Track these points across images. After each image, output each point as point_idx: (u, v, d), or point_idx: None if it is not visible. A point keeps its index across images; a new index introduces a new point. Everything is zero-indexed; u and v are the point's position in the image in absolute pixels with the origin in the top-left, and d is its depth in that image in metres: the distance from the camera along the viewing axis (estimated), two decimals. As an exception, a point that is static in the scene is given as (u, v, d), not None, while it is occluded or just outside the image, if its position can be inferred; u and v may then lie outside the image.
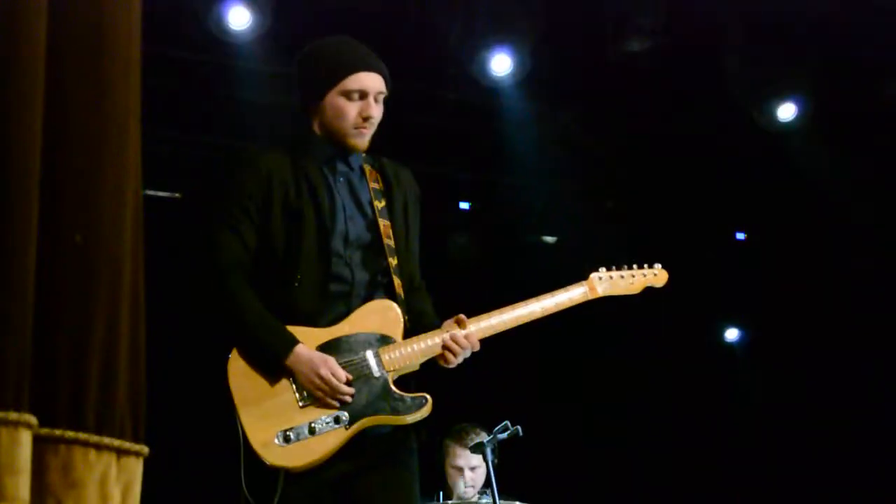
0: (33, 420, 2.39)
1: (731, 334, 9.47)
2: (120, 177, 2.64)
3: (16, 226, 2.35)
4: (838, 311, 8.66)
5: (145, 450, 2.69)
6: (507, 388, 8.00)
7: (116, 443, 2.57)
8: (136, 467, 2.63)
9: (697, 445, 8.96)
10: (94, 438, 2.52)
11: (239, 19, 6.81)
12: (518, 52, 7.25)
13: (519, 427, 5.98)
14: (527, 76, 7.34)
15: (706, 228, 7.78)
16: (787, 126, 7.83)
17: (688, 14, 7.19)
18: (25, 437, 2.34)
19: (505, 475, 6.24)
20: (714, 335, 9.45)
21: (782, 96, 7.82)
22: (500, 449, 6.34)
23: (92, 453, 2.51)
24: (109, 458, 2.54)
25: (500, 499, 6.14)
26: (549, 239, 8.23)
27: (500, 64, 7.27)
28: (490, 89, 7.43)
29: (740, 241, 8.22)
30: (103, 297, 2.56)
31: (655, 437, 8.97)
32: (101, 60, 2.65)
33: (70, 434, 2.49)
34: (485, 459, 6.26)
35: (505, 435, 6.07)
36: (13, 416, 2.32)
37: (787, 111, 7.85)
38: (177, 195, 7.90)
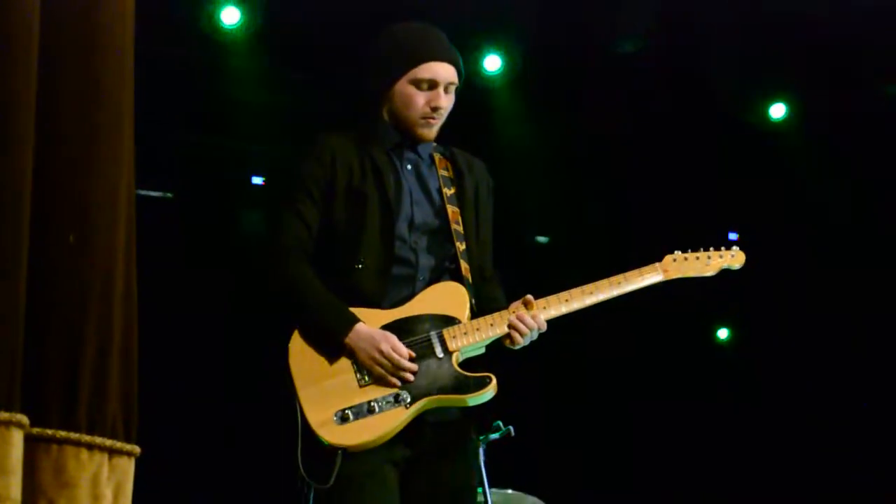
0: (25, 420, 2.39)
1: (723, 334, 9.48)
2: (113, 176, 2.64)
3: (7, 226, 2.35)
4: (826, 313, 8.67)
5: (137, 450, 2.69)
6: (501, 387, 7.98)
7: (108, 443, 2.57)
8: (127, 467, 2.63)
9: (689, 446, 8.97)
10: (86, 438, 2.52)
11: (230, 17, 6.80)
12: (509, 53, 7.26)
13: (511, 427, 5.97)
14: (517, 76, 7.33)
15: (699, 228, 7.79)
16: (778, 125, 7.87)
17: (679, 15, 7.19)
18: (17, 437, 2.34)
19: (497, 469, 6.22)
20: (707, 334, 9.45)
21: (772, 96, 7.84)
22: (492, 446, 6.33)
23: (84, 453, 2.51)
24: (101, 458, 2.54)
25: (491, 489, 6.10)
26: (542, 239, 8.23)
27: (492, 63, 7.28)
28: (482, 88, 7.43)
29: (733, 241, 8.23)
30: (96, 298, 2.56)
31: (645, 435, 8.98)
32: (93, 58, 2.65)
33: (62, 434, 2.49)
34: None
35: (497, 435, 6.06)
36: (4, 415, 2.32)
37: (777, 111, 7.88)
38: (169, 195, 7.89)
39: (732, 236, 8.01)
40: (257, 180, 7.93)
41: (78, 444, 2.53)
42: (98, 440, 2.56)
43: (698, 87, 7.74)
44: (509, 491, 6.56)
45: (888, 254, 8.37)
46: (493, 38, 7.30)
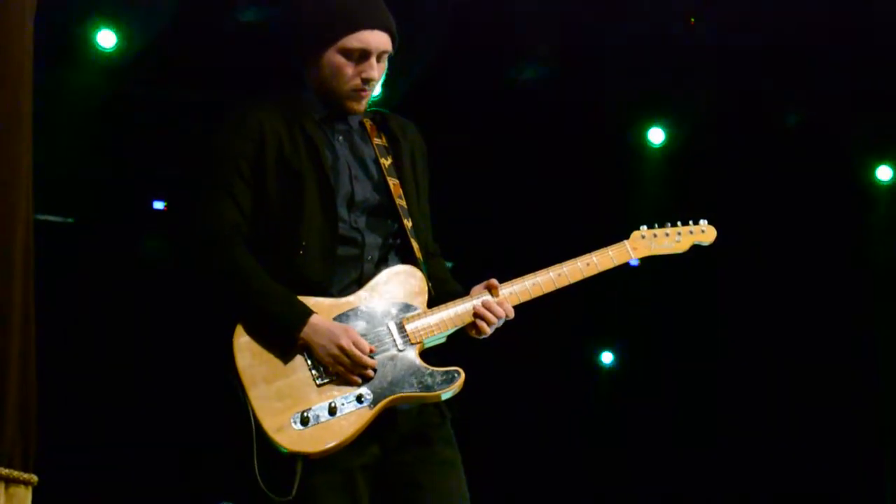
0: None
1: (606, 358, 9.47)
2: (10, 199, 2.62)
3: None
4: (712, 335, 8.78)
5: (35, 479, 2.65)
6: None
7: (5, 472, 2.54)
8: (25, 496, 2.60)
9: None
10: (-19, 468, 2.49)
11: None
12: (413, 78, 7.27)
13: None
14: (419, 101, 7.34)
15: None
16: (659, 149, 7.93)
17: (579, 41, 7.27)
18: None
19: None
20: (589, 357, 9.47)
21: (652, 120, 7.90)
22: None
23: (-21, 483, 2.48)
24: (-3, 488, 2.51)
25: None
26: (447, 264, 8.23)
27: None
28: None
29: (633, 266, 8.31)
30: (-8, 325, 2.54)
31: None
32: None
33: (-44, 464, 2.46)
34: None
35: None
36: None
37: (656, 136, 7.91)
38: (69, 220, 7.79)
39: (633, 262, 8.07)
40: (159, 205, 7.84)
41: (-27, 473, 2.50)
42: (-6, 469, 2.53)
43: (598, 111, 7.84)
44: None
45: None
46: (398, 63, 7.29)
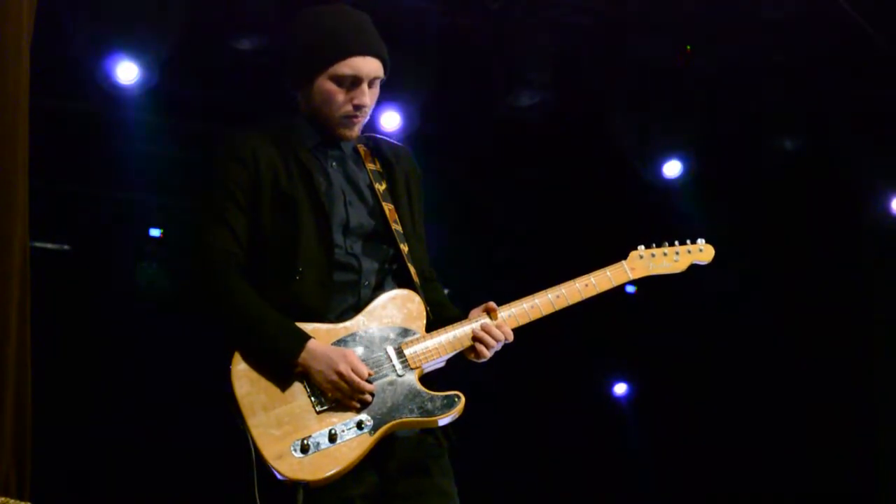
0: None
1: (620, 389, 9.47)
2: (6, 226, 2.62)
3: None
4: (721, 363, 8.79)
5: (30, 506, 2.65)
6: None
7: (1, 499, 2.54)
8: (20, 523, 2.60)
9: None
10: (-23, 495, 2.48)
11: (127, 74, 6.74)
12: (408, 108, 7.25)
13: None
14: (416, 131, 7.34)
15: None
16: (673, 182, 7.90)
17: (576, 69, 7.29)
18: None
19: None
20: (602, 388, 9.48)
21: (667, 153, 7.89)
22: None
23: (-26, 510, 2.48)
24: (-7, 515, 2.51)
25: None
26: (444, 290, 8.22)
27: (390, 121, 7.21)
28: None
29: (630, 294, 8.30)
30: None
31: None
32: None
33: (-48, 490, 2.46)
34: None
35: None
36: None
37: (672, 168, 7.88)
38: (66, 247, 7.79)
39: (630, 289, 8.07)
40: (155, 232, 7.83)
41: (-32, 500, 2.50)
42: (-11, 497, 2.53)
43: (595, 140, 7.86)
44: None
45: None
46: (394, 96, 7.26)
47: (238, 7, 6.58)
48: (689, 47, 7.47)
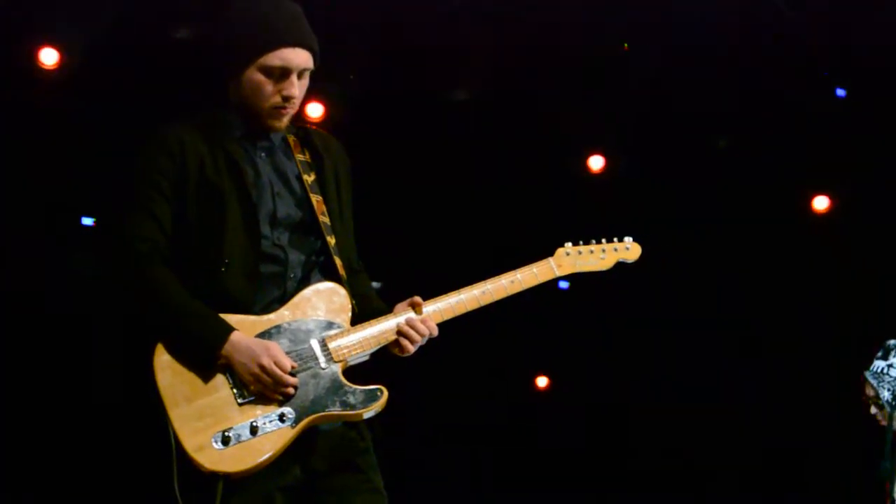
0: None
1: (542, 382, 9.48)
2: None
3: None
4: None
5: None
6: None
7: None
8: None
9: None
10: None
11: (48, 59, 6.64)
12: (335, 99, 7.21)
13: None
14: (343, 121, 7.29)
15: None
16: (602, 177, 7.91)
17: (511, 65, 7.30)
18: None
19: None
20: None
21: (594, 148, 7.89)
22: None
23: None
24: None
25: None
26: (375, 284, 8.18)
27: (314, 111, 7.19)
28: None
29: (563, 289, 8.31)
30: None
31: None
32: None
33: None
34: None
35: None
36: None
37: (597, 163, 7.88)
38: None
39: (562, 285, 8.08)
40: (87, 221, 7.76)
41: None
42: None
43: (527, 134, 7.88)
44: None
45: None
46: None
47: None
48: (626, 45, 7.54)
